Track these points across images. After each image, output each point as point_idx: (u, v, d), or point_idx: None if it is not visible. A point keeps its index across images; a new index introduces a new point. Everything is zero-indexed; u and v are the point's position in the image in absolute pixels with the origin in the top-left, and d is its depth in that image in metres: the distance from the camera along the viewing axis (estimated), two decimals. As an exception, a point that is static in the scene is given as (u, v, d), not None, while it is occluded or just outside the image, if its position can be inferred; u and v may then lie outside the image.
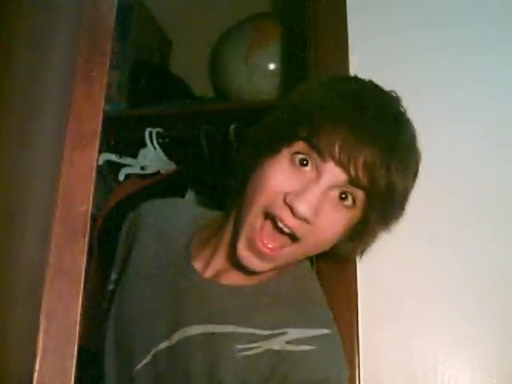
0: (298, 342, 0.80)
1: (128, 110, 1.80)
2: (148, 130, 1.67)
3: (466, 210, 1.00)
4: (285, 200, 0.76)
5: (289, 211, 0.76)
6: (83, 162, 0.54)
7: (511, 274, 0.96)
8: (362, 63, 1.09)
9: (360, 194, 0.77)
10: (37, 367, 0.45)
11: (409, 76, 1.09)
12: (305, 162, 0.77)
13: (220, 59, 1.81)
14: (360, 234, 0.84)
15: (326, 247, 0.83)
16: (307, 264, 0.94)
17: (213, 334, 0.82)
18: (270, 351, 0.80)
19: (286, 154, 0.79)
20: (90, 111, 0.56)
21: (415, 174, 0.85)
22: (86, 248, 0.52)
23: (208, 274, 0.88)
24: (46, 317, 0.48)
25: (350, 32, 1.12)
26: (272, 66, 1.68)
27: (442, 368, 0.93)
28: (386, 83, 1.09)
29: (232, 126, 1.56)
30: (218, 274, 0.88)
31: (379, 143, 0.75)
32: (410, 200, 0.92)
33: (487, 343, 0.93)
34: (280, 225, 0.77)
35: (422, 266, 0.98)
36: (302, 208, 0.74)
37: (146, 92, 1.85)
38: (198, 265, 0.89)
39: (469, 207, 1.00)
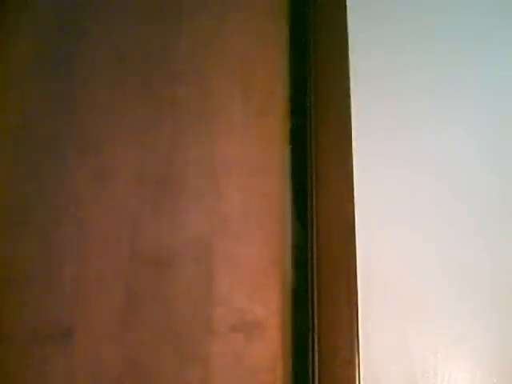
0: None
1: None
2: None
3: (466, 210, 1.00)
4: None
5: None
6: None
7: (511, 274, 0.96)
8: (362, 63, 1.09)
9: None
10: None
11: (409, 76, 1.09)
12: None
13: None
14: None
15: None
16: None
17: None
18: None
19: None
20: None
21: None
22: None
23: None
24: None
25: (349, 32, 1.12)
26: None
27: (442, 367, 0.92)
28: (385, 83, 1.09)
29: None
30: None
31: None
32: (410, 197, 0.93)
33: (487, 342, 0.93)
34: None
35: (423, 266, 0.98)
36: None
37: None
38: None
39: (469, 208, 1.00)
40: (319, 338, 0.94)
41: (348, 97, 1.08)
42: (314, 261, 0.99)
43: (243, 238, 0.97)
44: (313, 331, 0.97)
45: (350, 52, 1.11)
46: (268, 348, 0.92)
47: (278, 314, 0.93)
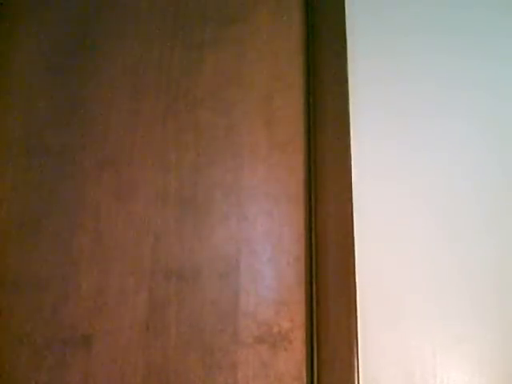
0: None
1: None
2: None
3: (467, 210, 0.98)
4: None
5: None
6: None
7: (510, 274, 0.92)
8: (362, 62, 1.09)
9: None
10: None
11: (409, 75, 1.07)
12: None
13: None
14: None
15: None
16: None
17: None
18: None
19: None
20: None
21: None
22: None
23: None
24: None
25: (349, 31, 1.12)
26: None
27: (442, 369, 0.91)
28: (385, 82, 1.09)
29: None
30: None
31: None
32: (409, 199, 0.92)
33: (486, 344, 0.91)
34: None
35: (421, 267, 0.97)
36: None
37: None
38: None
39: (470, 209, 0.98)
40: (318, 341, 0.95)
41: (347, 97, 1.08)
42: (313, 261, 1.00)
43: (268, 258, 1.01)
44: (311, 333, 0.98)
45: (348, 52, 1.11)
46: (293, 357, 0.96)
47: (302, 328, 0.97)
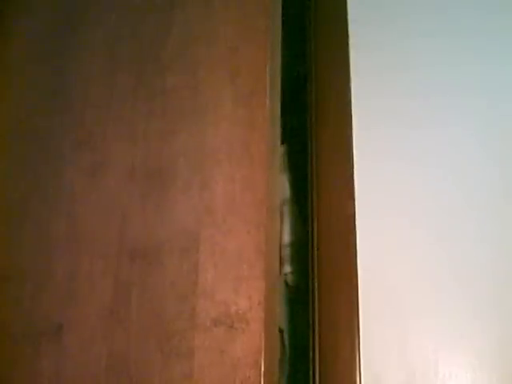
0: None
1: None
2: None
3: (465, 209, 1.00)
4: None
5: None
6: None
7: (511, 272, 0.96)
8: (363, 62, 1.09)
9: None
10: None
11: (409, 74, 1.09)
12: None
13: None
14: None
15: None
16: None
17: None
18: None
19: None
20: None
21: None
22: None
23: None
24: None
25: (350, 30, 1.12)
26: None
27: (443, 366, 0.92)
28: (385, 82, 1.09)
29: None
30: None
31: None
32: (410, 198, 0.93)
33: (487, 341, 0.93)
34: None
35: (423, 265, 0.98)
36: None
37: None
38: None
39: (468, 207, 1.00)
40: (320, 337, 0.93)
41: (349, 95, 1.08)
42: (315, 259, 0.99)
43: (228, 229, 0.95)
44: (313, 330, 0.96)
45: (350, 50, 1.11)
46: (251, 342, 0.90)
47: (261, 307, 0.91)
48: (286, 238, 1.17)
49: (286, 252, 1.16)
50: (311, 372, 0.94)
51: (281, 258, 1.18)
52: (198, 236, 0.94)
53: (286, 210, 1.17)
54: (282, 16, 1.15)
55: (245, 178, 0.95)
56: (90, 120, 1.09)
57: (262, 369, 0.86)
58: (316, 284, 0.99)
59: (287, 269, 1.15)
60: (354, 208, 1.01)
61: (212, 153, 0.99)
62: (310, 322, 0.98)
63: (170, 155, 1.01)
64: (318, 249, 1.00)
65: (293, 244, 1.16)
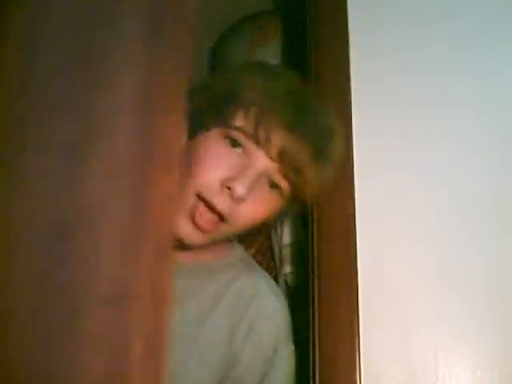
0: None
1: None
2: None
3: (465, 207, 1.00)
4: (221, 185, 0.83)
5: (222, 197, 0.83)
6: (169, 185, 0.55)
7: (511, 273, 0.96)
8: (363, 61, 1.08)
9: (287, 186, 0.88)
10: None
11: (409, 74, 1.09)
12: (237, 144, 0.84)
13: (220, 58, 1.80)
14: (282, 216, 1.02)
15: (254, 224, 0.91)
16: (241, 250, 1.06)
17: None
18: None
19: (216, 134, 0.85)
20: (175, 135, 0.57)
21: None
22: (171, 271, 0.53)
23: None
24: (136, 335, 0.48)
25: (350, 30, 1.12)
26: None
27: (443, 366, 0.92)
28: (386, 81, 1.09)
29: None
30: None
31: (310, 146, 0.85)
32: (410, 198, 0.92)
33: (488, 341, 0.93)
34: (213, 207, 0.84)
35: (423, 265, 0.98)
36: (240, 190, 0.81)
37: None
38: None
39: (468, 206, 1.00)
40: (320, 337, 0.93)
41: (349, 101, 1.08)
42: (315, 259, 0.99)
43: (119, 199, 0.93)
44: (313, 330, 0.96)
45: (350, 50, 1.10)
46: (134, 321, 0.87)
47: (146, 281, 0.88)
48: (286, 238, 1.17)
49: (286, 252, 1.16)
50: (311, 372, 0.94)
51: (281, 258, 1.18)
52: (91, 210, 0.90)
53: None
54: (282, 16, 1.14)
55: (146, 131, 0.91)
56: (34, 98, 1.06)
57: (144, 347, 0.79)
58: (316, 284, 0.99)
59: (287, 269, 1.15)
60: (354, 208, 1.01)
61: (117, 108, 0.94)
62: (310, 322, 0.98)
63: (89, 127, 0.86)
64: (317, 249, 1.00)
65: (293, 244, 1.16)
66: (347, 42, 1.11)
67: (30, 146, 0.91)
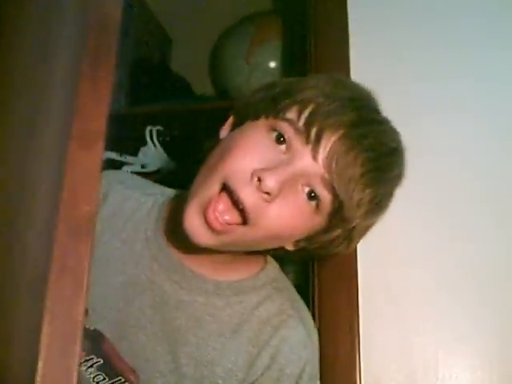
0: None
1: (128, 107, 1.80)
2: (148, 128, 1.68)
3: (466, 209, 1.00)
4: (251, 175, 0.71)
5: (250, 188, 0.71)
6: (89, 161, 0.54)
7: (512, 271, 0.96)
8: (363, 61, 1.08)
9: (328, 201, 0.74)
10: (39, 368, 0.45)
11: (409, 73, 1.09)
12: (281, 139, 0.73)
13: (220, 57, 1.80)
14: (320, 243, 0.81)
15: (278, 238, 0.78)
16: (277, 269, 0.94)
17: None
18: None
19: (264, 124, 0.76)
20: (97, 110, 0.55)
21: (392, 195, 0.83)
22: (90, 247, 0.51)
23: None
24: (48, 317, 0.47)
25: (350, 29, 1.12)
26: (272, 64, 1.68)
27: (443, 366, 0.93)
28: (386, 80, 1.09)
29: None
30: None
31: (368, 162, 0.73)
32: (411, 198, 0.92)
33: (488, 341, 0.93)
34: (237, 199, 0.72)
35: (423, 264, 0.98)
36: (271, 181, 0.69)
37: (147, 90, 1.85)
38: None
39: (468, 207, 1.00)
40: (320, 337, 0.93)
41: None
42: (315, 259, 0.99)
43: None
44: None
45: (350, 49, 1.10)
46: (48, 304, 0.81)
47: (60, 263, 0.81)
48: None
49: (286, 252, 1.16)
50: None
51: (281, 258, 1.18)
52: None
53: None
54: (282, 16, 1.14)
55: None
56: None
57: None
58: (316, 284, 0.99)
59: (287, 269, 1.15)
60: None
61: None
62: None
63: (44, 111, 0.81)
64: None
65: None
66: (347, 43, 1.11)
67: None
